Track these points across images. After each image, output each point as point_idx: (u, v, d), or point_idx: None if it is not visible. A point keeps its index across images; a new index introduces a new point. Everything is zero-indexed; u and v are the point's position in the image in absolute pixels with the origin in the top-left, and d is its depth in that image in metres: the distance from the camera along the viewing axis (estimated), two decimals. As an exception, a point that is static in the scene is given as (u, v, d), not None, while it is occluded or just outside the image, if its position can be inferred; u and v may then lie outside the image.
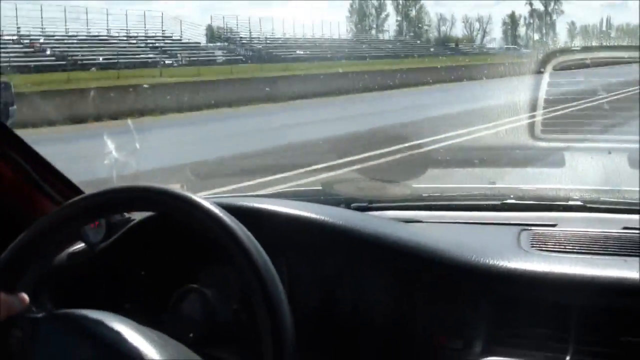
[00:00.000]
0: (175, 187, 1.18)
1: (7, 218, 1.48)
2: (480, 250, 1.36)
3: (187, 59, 30.50)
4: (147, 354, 0.99)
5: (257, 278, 1.06)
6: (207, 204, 1.12)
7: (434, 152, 7.82)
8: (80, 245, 1.54)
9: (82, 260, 1.52)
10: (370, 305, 1.39)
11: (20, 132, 1.50)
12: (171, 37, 33.48)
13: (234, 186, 5.31)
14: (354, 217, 1.57)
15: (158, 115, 12.97)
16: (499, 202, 1.74)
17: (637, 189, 1.80)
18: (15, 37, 25.84)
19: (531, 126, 2.46)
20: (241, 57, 33.00)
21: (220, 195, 1.61)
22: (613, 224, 1.52)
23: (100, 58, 26.69)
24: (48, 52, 26.11)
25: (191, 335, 1.33)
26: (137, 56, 29.32)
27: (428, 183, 2.37)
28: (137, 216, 1.55)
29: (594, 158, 3.09)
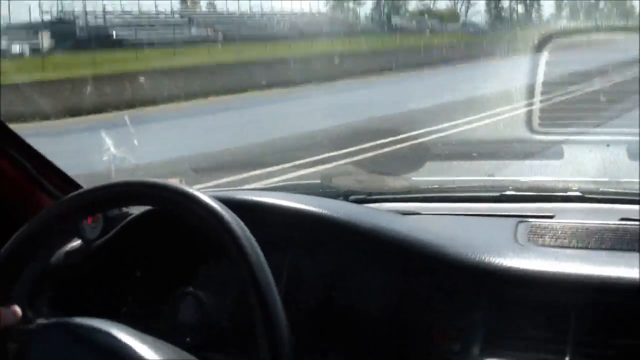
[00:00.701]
0: (173, 181, 1.18)
1: (4, 213, 1.48)
2: (476, 245, 1.35)
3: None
4: None
5: (251, 277, 1.06)
6: (204, 197, 1.12)
7: (431, 146, 7.79)
8: (76, 243, 1.53)
9: (78, 259, 1.52)
10: (368, 298, 1.38)
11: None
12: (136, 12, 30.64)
13: (228, 179, 5.28)
14: (352, 209, 1.57)
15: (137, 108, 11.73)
16: (497, 194, 1.73)
17: (637, 179, 1.80)
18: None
19: (529, 119, 2.45)
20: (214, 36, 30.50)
21: (218, 189, 1.60)
22: (611, 215, 1.52)
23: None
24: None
25: (188, 339, 1.33)
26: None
27: (426, 176, 2.37)
28: (135, 211, 1.54)
29: (592, 150, 3.09)
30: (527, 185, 1.89)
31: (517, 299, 1.29)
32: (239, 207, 1.16)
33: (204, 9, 32.53)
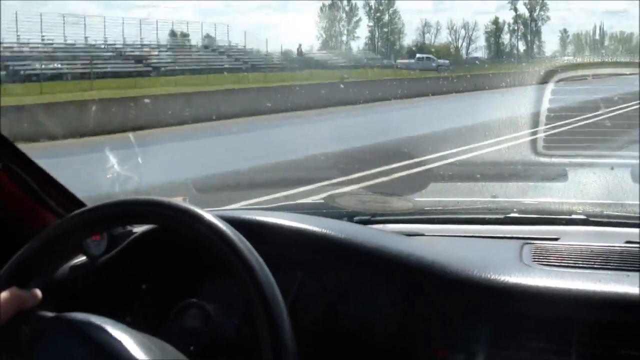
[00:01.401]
0: (178, 200, 1.18)
1: (8, 230, 1.48)
2: (482, 264, 1.36)
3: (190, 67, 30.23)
4: None
5: (258, 293, 1.05)
6: (209, 216, 1.12)
7: (435, 167, 7.79)
8: (81, 258, 1.53)
9: (83, 272, 1.52)
10: (372, 318, 1.38)
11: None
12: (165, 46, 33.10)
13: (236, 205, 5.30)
14: (356, 230, 1.56)
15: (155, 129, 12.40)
16: (501, 216, 1.73)
17: None
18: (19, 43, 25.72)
19: (533, 142, 2.46)
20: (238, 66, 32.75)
21: (222, 209, 1.61)
22: (616, 238, 1.52)
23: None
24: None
25: (192, 348, 1.32)
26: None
27: (430, 197, 2.37)
28: (139, 229, 1.54)
29: (596, 173, 3.09)
30: (532, 208, 1.89)
31: (522, 315, 1.29)
32: (243, 226, 1.16)
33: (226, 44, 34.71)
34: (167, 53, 33.56)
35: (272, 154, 9.87)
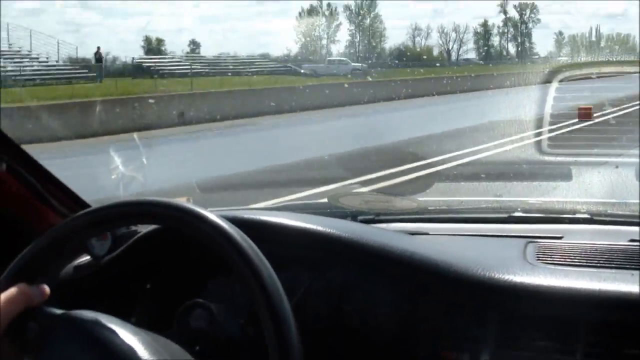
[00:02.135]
0: (181, 201, 1.18)
1: (12, 230, 1.49)
2: (486, 263, 1.36)
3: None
4: None
5: (263, 293, 1.06)
6: (213, 217, 1.12)
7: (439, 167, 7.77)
8: (85, 258, 1.54)
9: (87, 272, 1.52)
10: (377, 317, 1.38)
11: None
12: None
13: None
14: (360, 229, 1.56)
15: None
16: (505, 215, 1.73)
17: None
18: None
19: (538, 142, 2.46)
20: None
21: (225, 209, 1.61)
22: (620, 237, 1.52)
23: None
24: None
25: (197, 348, 1.33)
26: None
27: (434, 196, 2.37)
28: (143, 229, 1.55)
29: (600, 172, 3.09)
30: (536, 207, 1.89)
31: (527, 314, 1.29)
32: (247, 226, 1.16)
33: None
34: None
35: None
